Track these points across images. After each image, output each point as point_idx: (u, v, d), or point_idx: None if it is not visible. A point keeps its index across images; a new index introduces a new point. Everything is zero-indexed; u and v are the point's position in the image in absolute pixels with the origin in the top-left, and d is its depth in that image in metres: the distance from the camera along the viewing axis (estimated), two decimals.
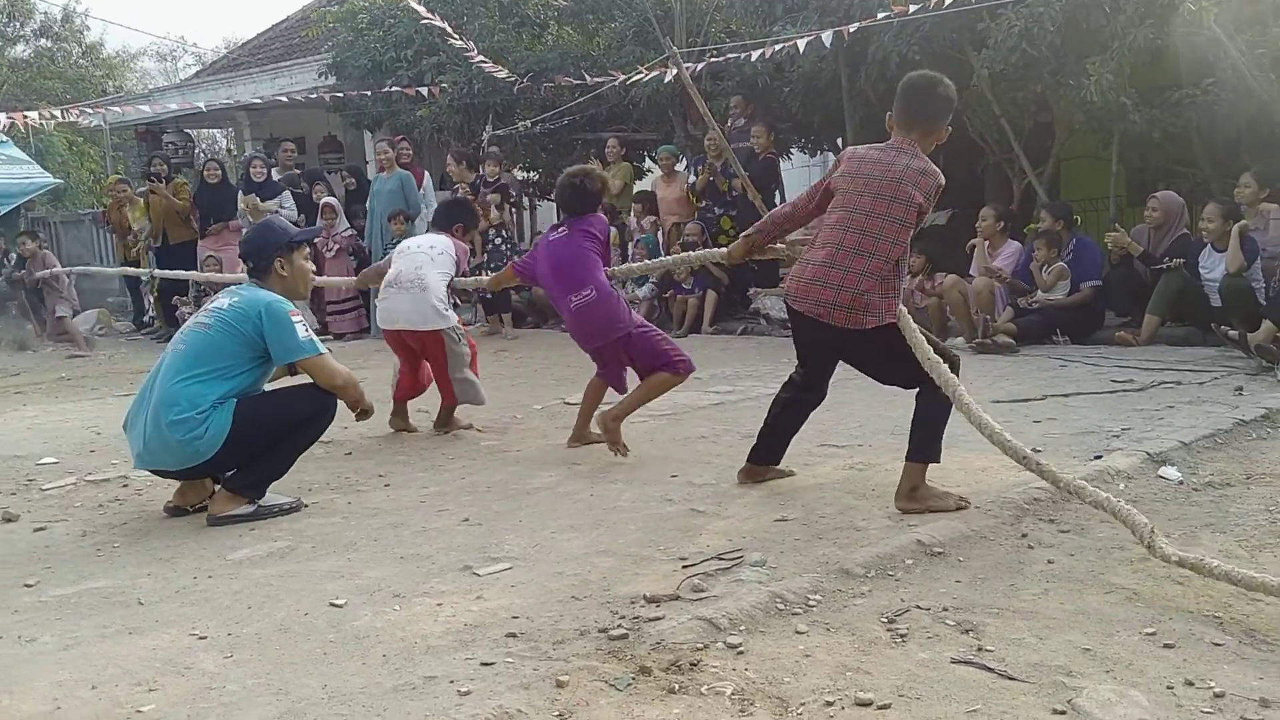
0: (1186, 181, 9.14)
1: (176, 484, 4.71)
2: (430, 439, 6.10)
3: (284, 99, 15.30)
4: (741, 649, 2.95)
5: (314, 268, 4.95)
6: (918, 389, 4.30)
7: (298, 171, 13.22)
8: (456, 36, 12.23)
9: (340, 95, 14.14)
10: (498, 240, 11.47)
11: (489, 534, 4.14)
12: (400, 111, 13.77)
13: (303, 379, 4.71)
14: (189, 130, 19.53)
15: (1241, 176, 7.86)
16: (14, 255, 14.48)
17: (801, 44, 9.68)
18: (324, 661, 2.99)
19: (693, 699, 2.69)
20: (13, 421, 7.39)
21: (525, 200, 13.60)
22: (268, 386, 4.77)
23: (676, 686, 2.75)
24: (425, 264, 6.15)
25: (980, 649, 2.91)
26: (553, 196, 5.83)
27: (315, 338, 4.65)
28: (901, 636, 3.02)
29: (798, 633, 3.06)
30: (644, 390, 5.46)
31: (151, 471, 4.69)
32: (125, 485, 5.23)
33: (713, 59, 10.77)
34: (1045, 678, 2.72)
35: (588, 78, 11.64)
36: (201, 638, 3.22)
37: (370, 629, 3.21)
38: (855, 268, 4.14)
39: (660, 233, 11.44)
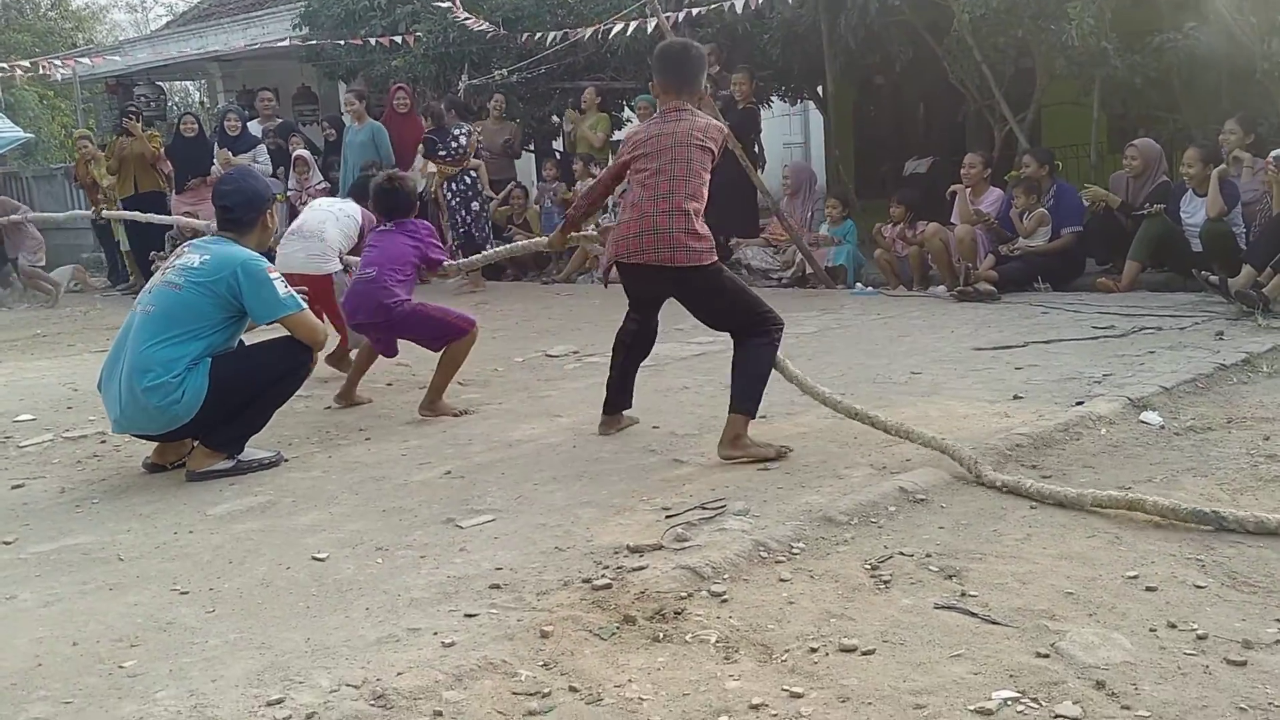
0: (1168, 127, 9.11)
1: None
2: (411, 393, 6.05)
3: (257, 48, 15.05)
4: (725, 597, 2.95)
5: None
6: (741, 339, 4.45)
7: (278, 120, 12.99)
8: None
9: (314, 45, 13.92)
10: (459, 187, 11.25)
11: (471, 486, 4.12)
12: (375, 61, 13.56)
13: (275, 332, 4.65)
14: (161, 83, 19.22)
15: (1226, 123, 7.82)
16: None
17: None
18: (306, 615, 2.98)
19: (677, 647, 2.69)
20: None
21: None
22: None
23: (661, 635, 2.75)
24: (329, 220, 6.34)
25: (963, 594, 2.92)
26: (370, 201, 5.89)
27: (294, 292, 4.59)
28: (885, 583, 3.02)
29: (781, 580, 3.06)
30: (444, 368, 5.49)
31: (132, 434, 4.64)
32: (103, 442, 5.18)
33: (692, 7, 10.63)
34: (1028, 622, 2.73)
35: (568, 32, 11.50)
36: (183, 593, 3.21)
37: (353, 582, 3.20)
38: (664, 211, 4.32)
39: None
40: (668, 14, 9.49)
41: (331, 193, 11.94)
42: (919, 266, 8.94)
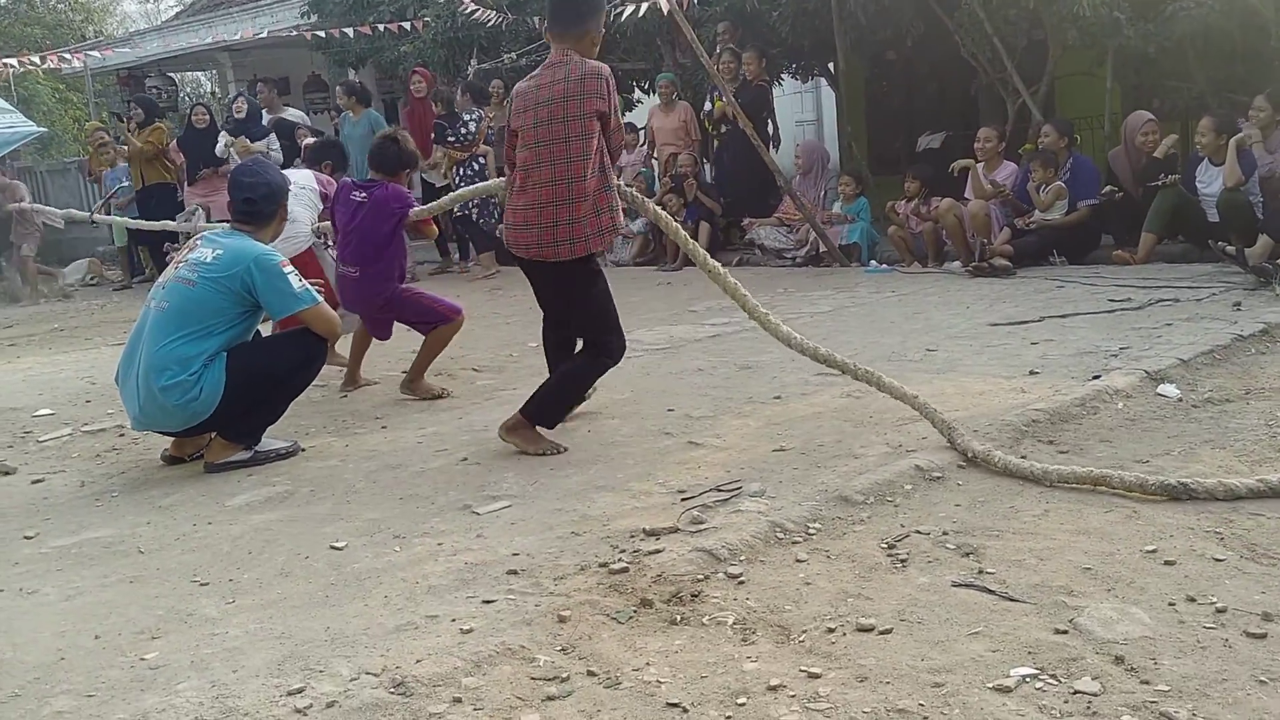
0: (1182, 96, 9.03)
1: None
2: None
3: (265, 37, 15.04)
4: (742, 579, 2.95)
5: None
6: (585, 346, 4.42)
7: (275, 116, 12.92)
8: None
9: (321, 34, 13.90)
10: (467, 172, 11.21)
11: (487, 473, 4.13)
12: (384, 48, 13.54)
13: None
14: (172, 73, 19.25)
15: (1255, 99, 7.72)
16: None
17: None
18: (325, 604, 2.99)
19: (694, 629, 2.70)
20: (7, 374, 7.36)
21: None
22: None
23: (678, 618, 2.76)
24: (291, 200, 6.23)
25: (981, 571, 2.91)
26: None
27: (309, 285, 4.59)
28: (902, 562, 3.02)
29: (798, 561, 3.06)
30: (427, 350, 5.61)
31: (152, 431, 4.67)
32: (122, 435, 5.20)
33: None
34: (1046, 598, 2.72)
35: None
36: (203, 584, 3.23)
37: (371, 570, 3.21)
38: (549, 199, 4.15)
39: (656, 164, 11.30)
40: None
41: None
42: (933, 243, 8.90)
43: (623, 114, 12.12)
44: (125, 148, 13.07)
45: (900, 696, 2.30)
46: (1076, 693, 2.26)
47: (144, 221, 10.89)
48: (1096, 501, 3.38)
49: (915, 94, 13.31)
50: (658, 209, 4.42)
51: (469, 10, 11.97)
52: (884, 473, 3.66)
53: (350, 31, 13.46)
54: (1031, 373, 4.92)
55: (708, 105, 11.12)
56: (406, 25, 13.00)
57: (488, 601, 2.89)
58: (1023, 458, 3.80)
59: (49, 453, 5.06)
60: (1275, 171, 7.44)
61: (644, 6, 10.35)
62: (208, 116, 12.48)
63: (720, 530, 3.24)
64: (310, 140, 11.93)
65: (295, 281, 4.49)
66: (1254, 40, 8.11)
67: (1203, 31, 8.12)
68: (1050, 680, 2.32)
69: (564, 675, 2.49)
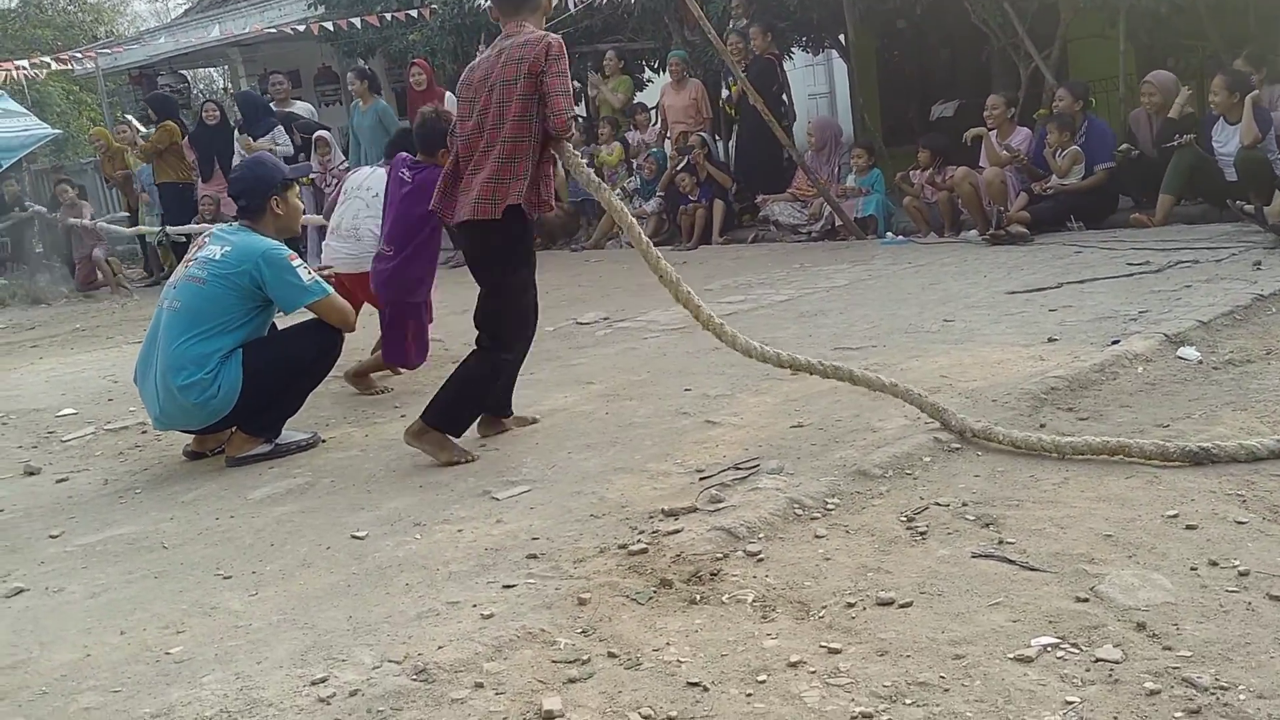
0: (1196, 55, 8.93)
1: None
2: (445, 368, 6.07)
3: (274, 31, 15.05)
4: (761, 556, 2.95)
5: (304, 205, 4.83)
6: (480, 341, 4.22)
7: (287, 108, 12.92)
8: None
9: (329, 25, 13.90)
10: None
11: (506, 458, 4.14)
12: (392, 37, 13.53)
13: None
14: (183, 71, 19.31)
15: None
16: (35, 207, 14.58)
17: None
18: (348, 593, 3.01)
19: (714, 608, 2.70)
20: (30, 375, 7.42)
21: None
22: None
23: (698, 597, 2.76)
24: (361, 211, 6.25)
25: (1001, 542, 2.90)
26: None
27: (319, 277, 4.60)
28: (921, 534, 3.01)
29: (817, 537, 3.06)
30: (375, 360, 5.72)
31: (175, 430, 4.70)
32: (144, 432, 5.24)
33: None
34: (1067, 566, 2.71)
35: None
36: (226, 577, 3.25)
37: (392, 559, 3.23)
38: (489, 162, 4.01)
39: (668, 143, 11.26)
40: None
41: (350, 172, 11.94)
42: (949, 212, 8.85)
43: (634, 93, 12.13)
44: (135, 147, 13.20)
45: (921, 669, 2.29)
46: (1098, 661, 2.25)
47: (190, 226, 11.06)
48: (1116, 468, 3.35)
49: (927, 63, 13.25)
50: (607, 191, 4.27)
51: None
52: (902, 446, 3.64)
53: (358, 22, 13.46)
54: (1050, 340, 4.89)
55: (725, 92, 11.06)
56: (414, 13, 12.97)
57: (508, 586, 2.90)
58: (1041, 426, 3.78)
59: (72, 452, 5.11)
60: None
61: None
62: (218, 113, 12.51)
63: (739, 508, 3.23)
64: (321, 133, 11.99)
65: (304, 274, 4.50)
66: None
67: None
68: (1071, 649, 2.31)
69: (585, 657, 2.49)
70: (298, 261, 4.53)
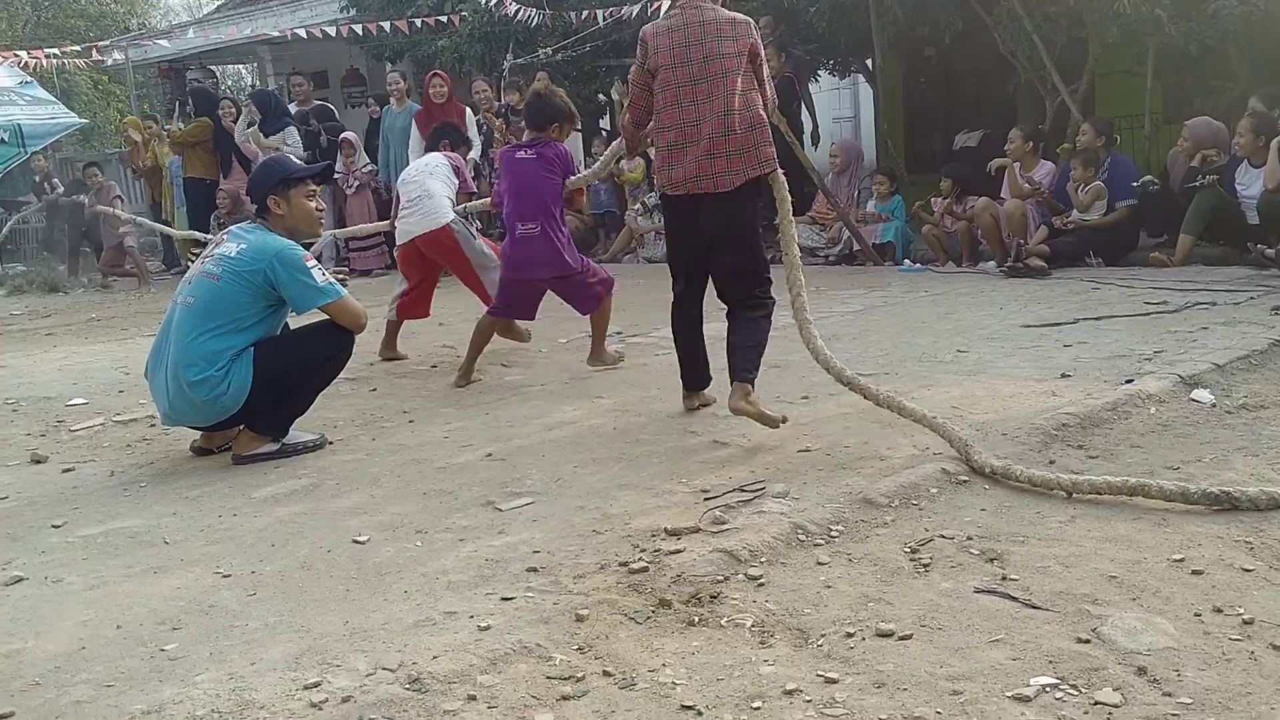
0: (1225, 96, 8.89)
1: None
2: (454, 375, 6.07)
3: (303, 34, 15.12)
4: (762, 581, 2.93)
5: (321, 206, 4.80)
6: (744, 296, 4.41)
7: (308, 109, 12.95)
8: None
9: (359, 28, 13.97)
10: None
11: (512, 469, 4.13)
12: (421, 42, 13.60)
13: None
14: (212, 66, 19.42)
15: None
16: (59, 188, 14.67)
17: None
18: (345, 598, 3.00)
19: (712, 631, 2.68)
20: (43, 363, 7.45)
21: None
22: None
23: (696, 619, 2.74)
24: (425, 178, 6.44)
25: (1004, 578, 2.88)
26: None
27: (333, 279, 4.60)
28: (925, 566, 2.99)
29: (819, 564, 3.03)
30: (599, 325, 5.82)
31: (182, 425, 4.70)
32: (152, 425, 5.24)
33: None
34: (1070, 606, 2.68)
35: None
36: (225, 576, 3.24)
37: (392, 565, 3.22)
38: (718, 130, 4.24)
39: None
40: None
41: (376, 176, 11.97)
42: (968, 242, 8.84)
43: None
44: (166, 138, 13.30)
45: (917, 704, 2.27)
46: (1097, 704, 2.23)
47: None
48: (1124, 509, 3.33)
49: (953, 91, 13.22)
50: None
51: (510, 9, 11.94)
52: (910, 475, 3.62)
53: (387, 25, 13.52)
54: (1063, 375, 4.86)
55: None
56: (444, 19, 13.02)
57: (506, 599, 2.88)
58: (1050, 463, 3.75)
59: (80, 442, 5.11)
60: None
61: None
62: (235, 111, 12.56)
63: (742, 531, 3.21)
64: (346, 135, 12.04)
65: (318, 275, 4.50)
66: None
67: (1246, 30, 7.99)
68: (1070, 690, 2.28)
69: (579, 675, 2.48)
70: (313, 262, 4.53)
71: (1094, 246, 8.18)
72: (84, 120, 19.11)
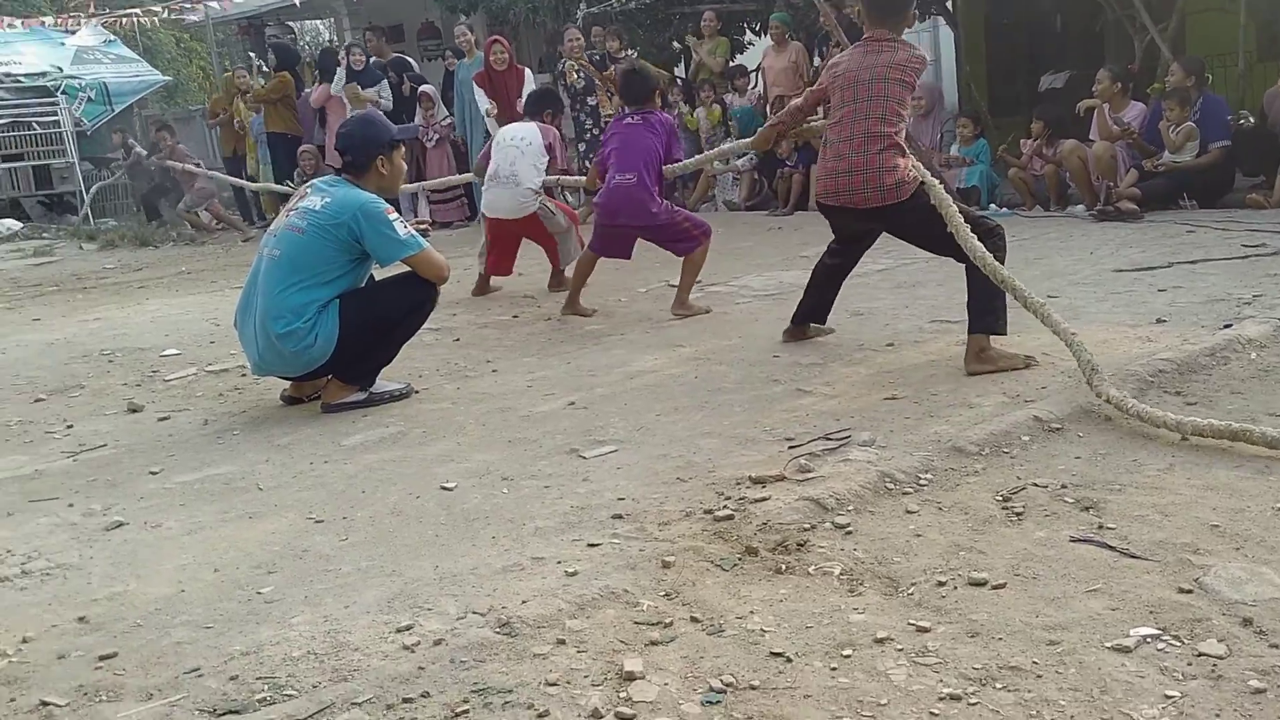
0: None
1: None
2: (537, 324, 6.10)
3: None
4: (850, 529, 2.90)
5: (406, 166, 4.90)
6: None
7: (384, 61, 12.94)
8: None
9: None
10: (596, 131, 11.02)
11: (594, 417, 4.14)
12: None
13: None
14: (290, 22, 19.55)
15: None
16: (137, 149, 14.93)
17: None
18: (435, 543, 3.03)
19: (800, 579, 2.66)
20: (136, 315, 7.62)
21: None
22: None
23: (783, 566, 2.72)
24: (517, 158, 6.79)
25: (1101, 527, 2.81)
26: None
27: (415, 232, 4.62)
28: (1017, 515, 2.93)
29: (908, 512, 3.00)
30: (689, 272, 6.02)
31: (272, 375, 4.78)
32: (243, 375, 5.33)
33: None
34: (1170, 555, 2.62)
35: None
36: (318, 521, 3.30)
37: (479, 511, 3.24)
38: (868, 152, 4.43)
39: (766, 106, 11.09)
40: None
41: (453, 129, 11.97)
42: (1056, 185, 8.62)
43: (733, 56, 11.98)
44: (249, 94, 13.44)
45: (1013, 653, 2.23)
46: (1201, 655, 2.17)
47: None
48: (1225, 456, 3.23)
49: (1037, 32, 12.84)
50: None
51: None
52: (1000, 423, 3.55)
53: None
54: (1158, 321, 4.73)
55: (817, 60, 10.87)
56: None
57: (593, 545, 2.89)
58: (1191, 404, 3.67)
59: (175, 391, 5.23)
60: None
61: None
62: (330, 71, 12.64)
63: (828, 479, 3.18)
64: (425, 88, 12.04)
65: (400, 228, 4.52)
66: None
67: None
68: (1173, 641, 2.23)
69: (667, 620, 2.48)
70: (395, 215, 4.55)
71: (1187, 188, 7.92)
72: (168, 78, 19.41)
